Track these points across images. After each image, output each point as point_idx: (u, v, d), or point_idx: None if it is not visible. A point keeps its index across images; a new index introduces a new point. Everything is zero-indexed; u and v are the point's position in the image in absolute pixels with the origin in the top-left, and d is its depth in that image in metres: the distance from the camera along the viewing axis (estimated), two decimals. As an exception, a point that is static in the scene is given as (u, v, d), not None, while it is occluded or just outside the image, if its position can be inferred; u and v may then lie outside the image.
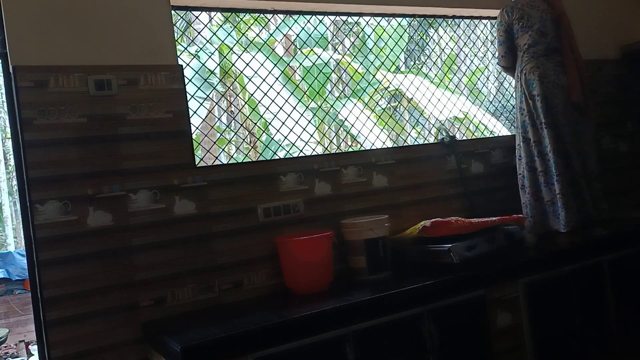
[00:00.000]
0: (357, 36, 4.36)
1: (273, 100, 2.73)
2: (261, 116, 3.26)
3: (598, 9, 3.60)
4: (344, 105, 3.84)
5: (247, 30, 2.99)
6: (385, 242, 2.39)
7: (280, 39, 5.07)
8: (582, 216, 2.64)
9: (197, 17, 2.66)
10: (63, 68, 2.07)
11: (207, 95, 2.80)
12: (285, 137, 2.75)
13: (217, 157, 2.76)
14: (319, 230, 2.40)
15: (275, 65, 3.79)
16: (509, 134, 3.43)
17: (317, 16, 2.94)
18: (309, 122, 2.99)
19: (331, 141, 3.53)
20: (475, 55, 3.53)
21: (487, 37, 3.56)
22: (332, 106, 3.71)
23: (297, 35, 3.16)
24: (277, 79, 2.84)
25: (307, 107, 3.56)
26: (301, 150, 2.84)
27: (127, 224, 2.13)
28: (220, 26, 3.41)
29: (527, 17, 2.74)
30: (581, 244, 2.62)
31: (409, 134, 3.78)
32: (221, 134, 5.14)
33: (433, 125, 3.96)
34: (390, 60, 3.30)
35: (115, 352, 2.06)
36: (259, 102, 2.89)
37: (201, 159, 2.42)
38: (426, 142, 3.14)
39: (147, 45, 2.23)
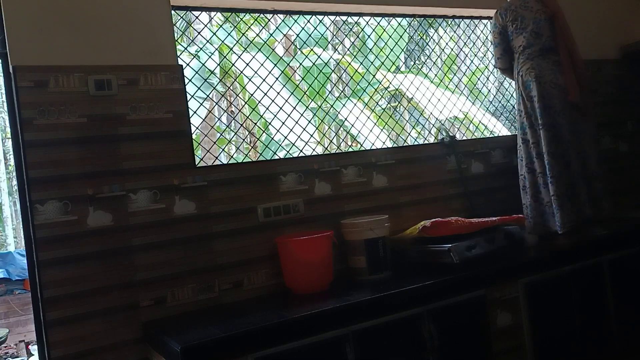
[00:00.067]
0: (357, 36, 4.37)
1: (273, 100, 2.73)
2: (261, 116, 3.26)
3: (598, 9, 3.60)
4: (344, 105, 3.84)
5: (247, 30, 2.99)
6: (385, 242, 2.39)
7: (280, 39, 5.07)
8: (579, 217, 2.63)
9: (197, 17, 2.66)
10: (63, 68, 2.07)
11: (207, 95, 2.80)
12: (285, 137, 2.75)
13: (217, 157, 2.76)
14: (319, 230, 2.40)
15: (275, 65, 3.79)
16: (509, 134, 3.43)
17: (317, 16, 2.94)
18: (309, 122, 2.99)
19: (331, 141, 3.53)
20: (475, 55, 3.53)
21: (487, 37, 3.56)
22: (332, 106, 3.72)
23: (297, 35, 3.16)
24: (277, 79, 2.84)
25: (307, 107, 3.56)
26: (301, 150, 2.84)
27: (127, 224, 2.13)
28: (220, 26, 3.42)
29: (520, 19, 2.74)
30: (581, 244, 2.62)
31: (409, 134, 3.78)
32: (221, 134, 5.14)
33: (433, 125, 3.96)
34: (390, 60, 3.30)
35: (115, 352, 2.06)
36: (259, 102, 2.89)
37: (201, 159, 2.42)
38: (426, 142, 3.14)
39: (147, 45, 2.23)
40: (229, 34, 2.94)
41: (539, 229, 2.74)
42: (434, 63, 4.12)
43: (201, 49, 4.91)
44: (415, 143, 3.21)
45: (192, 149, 2.29)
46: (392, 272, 2.39)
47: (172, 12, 2.34)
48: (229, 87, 4.19)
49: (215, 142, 3.28)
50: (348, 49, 5.20)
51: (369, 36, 4.23)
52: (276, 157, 2.65)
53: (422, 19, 3.25)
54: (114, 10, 2.19)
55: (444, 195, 2.92)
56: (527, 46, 2.73)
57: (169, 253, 2.19)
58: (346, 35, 4.59)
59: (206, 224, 2.28)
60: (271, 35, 4.70)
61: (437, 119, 3.37)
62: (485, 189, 3.05)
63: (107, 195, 2.11)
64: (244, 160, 2.81)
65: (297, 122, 2.76)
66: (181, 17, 2.61)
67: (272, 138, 2.85)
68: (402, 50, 3.68)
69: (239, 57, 2.74)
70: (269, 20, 3.02)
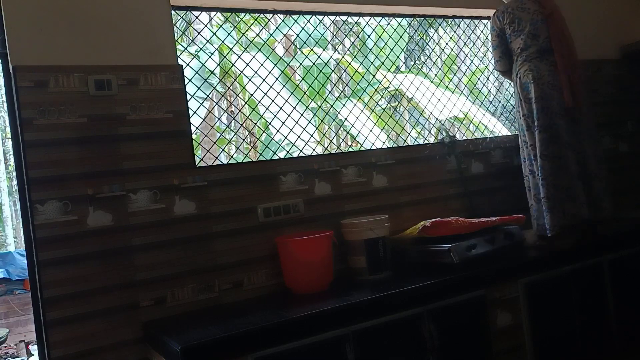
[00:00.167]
0: (357, 36, 4.37)
1: (273, 100, 2.73)
2: (261, 116, 3.26)
3: (598, 9, 3.60)
4: (344, 105, 3.84)
5: (247, 30, 2.99)
6: (385, 242, 2.39)
7: (280, 39, 5.07)
8: (576, 220, 2.62)
9: (197, 17, 2.66)
10: (63, 68, 2.07)
11: (207, 95, 2.80)
12: (285, 137, 2.75)
13: (217, 157, 2.76)
14: (319, 230, 2.40)
15: (275, 65, 3.80)
16: (509, 133, 3.43)
17: (317, 16, 2.94)
18: (309, 122, 2.99)
19: (331, 141, 3.53)
20: (475, 55, 3.53)
21: (487, 37, 3.56)
22: (332, 106, 3.71)
23: (297, 35, 3.16)
24: (277, 79, 2.84)
25: (307, 107, 3.56)
26: (301, 150, 2.84)
27: (127, 224, 2.13)
28: (220, 26, 3.42)
29: (517, 21, 2.73)
30: (581, 243, 2.62)
31: (409, 134, 3.78)
32: (221, 134, 5.14)
33: (433, 125, 3.96)
34: (390, 60, 3.30)
35: (115, 352, 2.06)
36: (259, 102, 2.89)
37: (201, 159, 2.42)
38: (426, 142, 3.14)
39: (147, 45, 2.23)
40: (229, 34, 2.94)
41: (543, 229, 2.74)
42: (434, 63, 4.12)
43: (201, 49, 4.91)
44: (415, 143, 3.21)
45: (192, 149, 2.29)
46: (392, 272, 2.39)
47: (172, 12, 2.34)
48: (229, 87, 4.19)
49: (215, 142, 3.28)
50: (348, 49, 5.20)
51: (369, 36, 4.22)
52: (276, 157, 2.65)
53: (422, 19, 3.25)
54: (114, 10, 2.19)
55: (444, 195, 2.92)
56: (524, 48, 2.72)
57: (169, 253, 2.19)
58: (346, 35, 4.59)
59: (206, 224, 2.28)
60: (271, 35, 4.70)
61: (437, 119, 3.37)
62: (485, 189, 3.05)
63: (107, 195, 2.11)
64: (244, 160, 2.81)
65: (297, 122, 2.76)
66: (181, 17, 2.61)
67: (272, 138, 2.85)
68: (402, 50, 3.67)
69: (239, 57, 2.74)
70: (269, 20, 3.02)
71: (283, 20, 3.02)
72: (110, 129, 2.14)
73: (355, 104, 3.88)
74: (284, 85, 2.91)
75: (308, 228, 2.47)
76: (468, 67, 3.63)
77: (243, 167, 2.46)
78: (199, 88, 2.63)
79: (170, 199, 2.22)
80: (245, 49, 2.82)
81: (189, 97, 2.32)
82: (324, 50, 4.98)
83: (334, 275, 2.34)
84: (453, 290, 2.19)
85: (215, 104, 3.15)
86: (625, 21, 3.72)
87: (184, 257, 2.22)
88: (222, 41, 2.85)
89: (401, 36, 3.43)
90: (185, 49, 3.09)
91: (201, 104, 2.77)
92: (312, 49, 3.88)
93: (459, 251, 2.29)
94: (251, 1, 2.59)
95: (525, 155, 2.78)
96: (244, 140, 4.73)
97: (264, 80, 2.76)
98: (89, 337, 2.02)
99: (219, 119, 3.33)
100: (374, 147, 2.90)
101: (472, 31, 3.45)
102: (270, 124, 2.82)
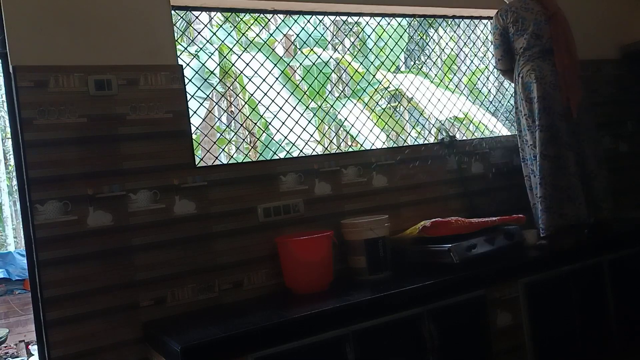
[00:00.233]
0: (357, 36, 4.37)
1: (273, 100, 2.73)
2: (261, 116, 3.26)
3: (597, 9, 3.60)
4: (344, 105, 3.84)
5: (247, 30, 2.99)
6: (385, 242, 2.39)
7: (280, 39, 5.07)
8: (576, 220, 2.62)
9: (197, 17, 2.67)
10: (63, 68, 2.07)
11: (207, 95, 2.80)
12: (285, 137, 2.75)
13: (217, 157, 2.76)
14: (319, 230, 2.40)
15: (275, 65, 3.80)
16: (509, 133, 3.43)
17: (317, 16, 2.94)
18: (309, 122, 2.99)
19: (331, 141, 3.53)
20: (475, 55, 3.53)
21: (487, 37, 3.56)
22: (332, 106, 3.71)
23: (297, 35, 3.16)
24: (277, 79, 2.84)
25: (307, 107, 3.56)
26: (301, 150, 2.84)
27: (127, 224, 2.13)
28: (220, 26, 3.42)
29: (521, 21, 2.73)
30: (581, 244, 2.62)
31: (409, 134, 3.78)
32: (221, 134, 5.14)
33: (433, 125, 3.96)
34: (390, 60, 3.30)
35: (115, 352, 2.06)
36: (259, 102, 2.89)
37: (201, 159, 2.42)
38: (426, 142, 3.14)
39: (147, 45, 2.23)
40: (229, 34, 2.94)
41: (542, 229, 2.73)
42: (434, 63, 4.12)
43: (201, 49, 4.91)
44: (415, 143, 3.21)
45: (192, 149, 2.29)
46: (392, 272, 2.39)
47: (172, 12, 2.34)
48: (229, 87, 4.19)
49: (215, 142, 3.28)
50: (348, 49, 5.20)
51: (369, 36, 4.23)
52: (276, 157, 2.65)
53: (422, 19, 3.25)
54: (114, 10, 2.19)
55: (444, 195, 2.92)
56: (527, 47, 2.72)
57: (169, 253, 2.19)
58: (346, 35, 4.59)
59: (206, 224, 2.28)
60: (271, 35, 4.70)
61: (437, 119, 3.37)
62: (485, 189, 3.05)
63: (107, 195, 2.11)
64: (244, 160, 2.81)
65: (297, 122, 2.76)
66: (181, 17, 2.61)
67: (272, 138, 2.85)
68: (402, 50, 3.67)
69: (239, 57, 2.74)
70: (269, 20, 3.02)
71: (283, 20, 3.02)
72: (110, 129, 2.14)
73: (355, 104, 3.88)
74: (284, 85, 2.91)
75: (308, 228, 2.47)
76: (468, 67, 3.63)
77: (243, 167, 2.46)
78: (199, 88, 2.63)
79: (170, 199, 2.22)
80: (245, 49, 2.82)
81: (189, 97, 2.32)
82: (324, 50, 4.99)
83: (334, 275, 2.34)
84: (453, 290, 2.19)
85: (215, 104, 3.15)
86: (625, 21, 3.72)
87: (184, 257, 2.22)
88: (222, 41, 2.85)
89: (401, 36, 3.43)
90: (185, 49, 3.09)
91: (201, 104, 2.77)
92: (312, 49, 3.88)
93: (459, 251, 2.29)
94: (251, 1, 2.59)
95: (527, 155, 2.78)
96: (244, 140, 4.73)
97: (264, 80, 2.76)
98: (89, 337, 2.02)
99: (219, 119, 3.33)
100: (374, 147, 2.90)
101: (472, 31, 3.45)
102: (270, 124, 2.82)
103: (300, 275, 2.27)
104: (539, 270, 2.42)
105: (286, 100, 2.78)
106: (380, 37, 3.37)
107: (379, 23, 3.21)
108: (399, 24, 3.31)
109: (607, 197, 2.74)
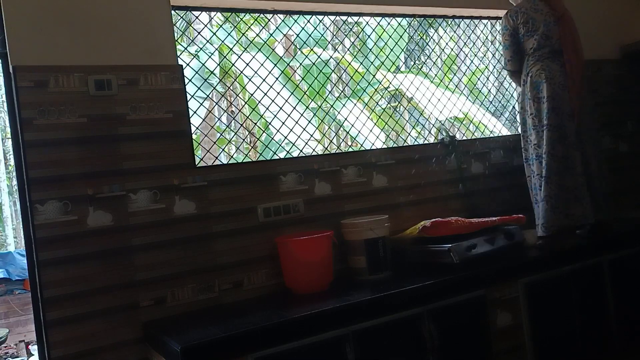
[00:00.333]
0: (357, 36, 4.37)
1: (273, 100, 2.73)
2: (261, 116, 3.26)
3: (598, 9, 3.60)
4: (344, 105, 3.84)
5: (247, 30, 2.99)
6: (385, 242, 2.39)
7: (280, 39, 5.07)
8: (579, 221, 2.62)
9: (197, 17, 2.66)
10: (63, 68, 2.07)
11: (207, 95, 2.80)
12: (285, 137, 2.75)
13: (217, 157, 2.76)
14: (319, 230, 2.40)
15: (275, 65, 3.80)
16: (509, 133, 3.43)
17: (317, 16, 2.94)
18: (309, 122, 2.99)
19: (331, 141, 3.53)
20: (475, 55, 3.53)
21: (487, 37, 3.56)
22: (332, 106, 3.72)
23: (297, 35, 3.16)
24: (277, 79, 2.84)
25: (307, 107, 3.56)
26: (301, 150, 2.84)
27: (127, 224, 2.13)
28: (220, 26, 3.42)
29: (532, 22, 2.74)
30: (581, 244, 2.62)
31: (409, 134, 3.78)
32: (221, 134, 5.14)
33: (433, 125, 3.97)
34: (390, 60, 3.30)
35: (115, 352, 2.06)
36: (259, 102, 2.90)
37: (201, 159, 2.42)
38: (426, 142, 3.14)
39: (147, 45, 2.23)
40: (229, 34, 2.94)
41: (544, 229, 2.73)
42: (434, 63, 4.12)
43: (201, 49, 4.92)
44: (415, 143, 3.21)
45: (192, 149, 2.29)
46: (392, 272, 2.39)
47: (172, 12, 2.34)
48: (229, 87, 4.19)
49: (215, 142, 3.28)
50: (348, 49, 5.20)
51: (369, 36, 4.23)
52: (276, 157, 2.65)
53: (422, 19, 3.25)
54: (114, 10, 2.19)
55: (444, 195, 2.92)
56: (537, 48, 2.73)
57: (169, 253, 2.19)
58: (346, 35, 4.59)
59: (206, 224, 2.28)
60: (271, 35, 4.70)
61: (437, 119, 3.37)
62: (485, 189, 3.05)
63: (107, 195, 2.11)
64: (244, 160, 2.81)
65: (297, 122, 2.76)
66: (181, 17, 2.61)
67: (272, 138, 2.85)
68: (402, 50, 3.68)
69: (239, 57, 2.74)
70: (269, 20, 3.02)
71: (283, 20, 3.02)
72: (110, 129, 2.14)
73: (355, 104, 3.88)
74: (284, 85, 2.91)
75: (308, 228, 2.47)
76: (468, 67, 3.63)
77: (243, 167, 2.46)
78: (199, 88, 2.63)
79: (170, 199, 2.22)
80: (245, 49, 2.82)
81: (189, 97, 2.32)
82: (324, 50, 4.99)
83: (334, 275, 2.34)
84: (453, 290, 2.19)
85: (215, 104, 3.15)
86: (625, 21, 3.73)
87: (184, 257, 2.22)
88: (222, 41, 2.85)
89: (401, 36, 3.43)
90: (185, 49, 3.09)
91: (201, 104, 2.77)
92: (312, 49, 3.88)
93: (459, 251, 2.29)
94: (251, 1, 2.59)
95: (530, 155, 2.78)
96: (244, 140, 4.74)
97: (264, 80, 2.76)
98: (89, 337, 2.02)
99: (219, 119, 3.33)
100: (373, 147, 2.90)
101: (472, 31, 3.45)
102: (270, 124, 2.82)
103: (300, 275, 2.27)
104: (539, 270, 2.42)
105: (286, 100, 2.78)
106: (380, 37, 3.37)
107: (379, 23, 3.21)
108: (399, 24, 3.31)
109: (607, 197, 2.74)
